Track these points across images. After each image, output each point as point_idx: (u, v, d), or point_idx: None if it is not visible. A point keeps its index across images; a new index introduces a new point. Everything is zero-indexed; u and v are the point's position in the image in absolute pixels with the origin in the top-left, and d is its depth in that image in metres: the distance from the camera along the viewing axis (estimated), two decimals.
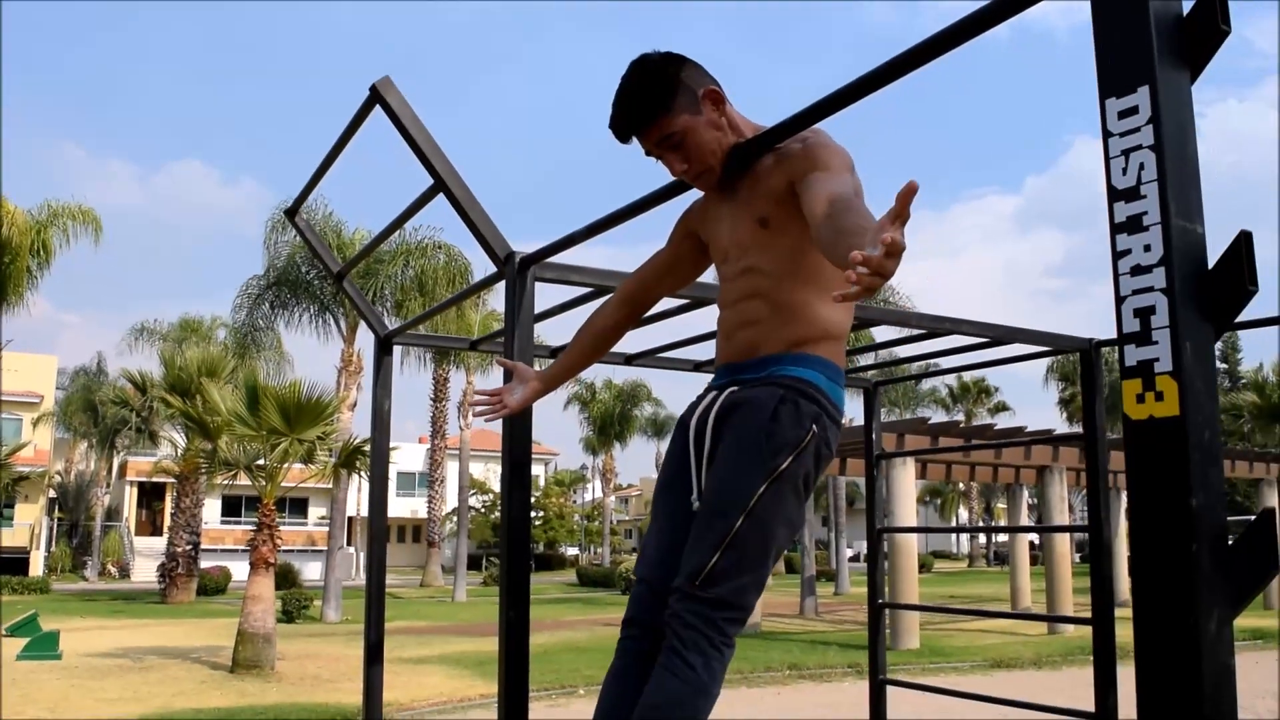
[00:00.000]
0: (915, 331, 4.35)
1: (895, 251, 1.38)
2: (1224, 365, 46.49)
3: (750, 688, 12.05)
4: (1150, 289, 1.27)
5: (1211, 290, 1.28)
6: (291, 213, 4.07)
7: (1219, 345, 45.68)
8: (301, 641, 16.77)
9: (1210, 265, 1.29)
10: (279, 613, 16.76)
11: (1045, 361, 43.93)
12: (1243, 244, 1.27)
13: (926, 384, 43.51)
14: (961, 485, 51.90)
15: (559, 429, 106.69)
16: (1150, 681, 1.24)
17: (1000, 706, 9.45)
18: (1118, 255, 1.31)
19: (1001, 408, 48.45)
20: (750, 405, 2.08)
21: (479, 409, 2.63)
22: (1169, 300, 1.26)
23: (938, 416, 41.20)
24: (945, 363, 4.72)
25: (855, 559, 45.20)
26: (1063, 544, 17.75)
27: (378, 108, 2.97)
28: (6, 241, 22.22)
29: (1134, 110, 1.30)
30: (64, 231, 23.75)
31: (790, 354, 2.10)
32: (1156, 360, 1.26)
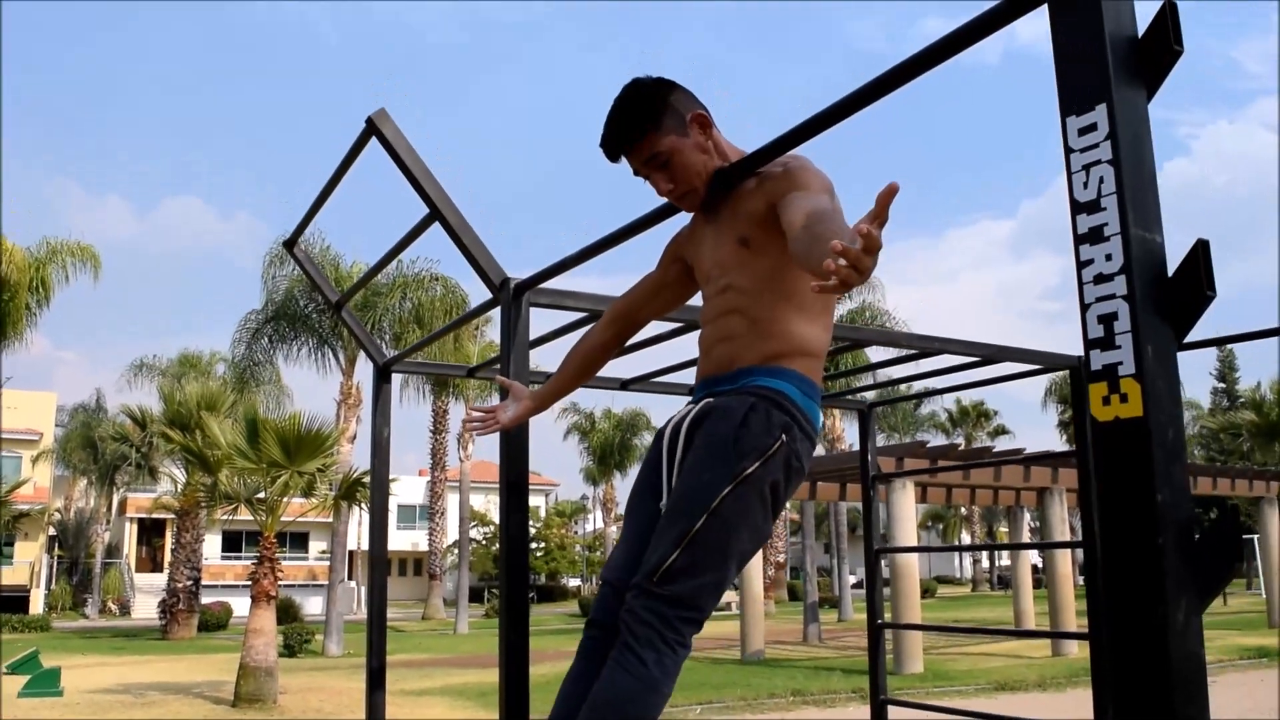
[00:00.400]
0: (908, 352, 4.41)
1: (873, 248, 1.40)
2: (1222, 384, 46.49)
3: (754, 714, 12.02)
4: (1112, 296, 1.33)
5: (1171, 296, 1.34)
6: (290, 244, 4.13)
7: (1216, 363, 45.76)
8: (304, 675, 16.72)
9: (1170, 273, 1.36)
10: (280, 647, 16.72)
11: (1044, 384, 43.99)
12: (1199, 251, 1.33)
13: (925, 408, 43.57)
14: (963, 510, 51.83)
15: (559, 460, 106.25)
16: (1123, 671, 1.29)
17: None
18: (1081, 265, 1.38)
19: (1001, 431, 48.48)
20: (721, 411, 2.14)
21: (474, 424, 2.67)
22: (1130, 306, 1.32)
23: (937, 441, 41.19)
24: (939, 383, 4.78)
25: (858, 585, 45.02)
26: (1064, 565, 17.73)
27: (374, 140, 3.04)
28: (5, 279, 22.32)
29: (1093, 127, 1.37)
30: (63, 268, 23.87)
31: (765, 366, 2.16)
32: (1120, 364, 1.32)
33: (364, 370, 23.66)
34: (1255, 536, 30.74)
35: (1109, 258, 1.34)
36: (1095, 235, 1.36)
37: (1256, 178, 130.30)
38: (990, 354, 4.10)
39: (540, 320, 3.26)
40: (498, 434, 2.83)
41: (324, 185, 3.41)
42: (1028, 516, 24.21)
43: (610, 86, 2.25)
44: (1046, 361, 4.36)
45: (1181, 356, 1.36)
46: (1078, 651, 17.28)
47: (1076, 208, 1.38)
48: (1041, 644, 18.93)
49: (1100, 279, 1.35)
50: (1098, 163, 1.36)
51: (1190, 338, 1.34)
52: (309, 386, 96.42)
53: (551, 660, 18.74)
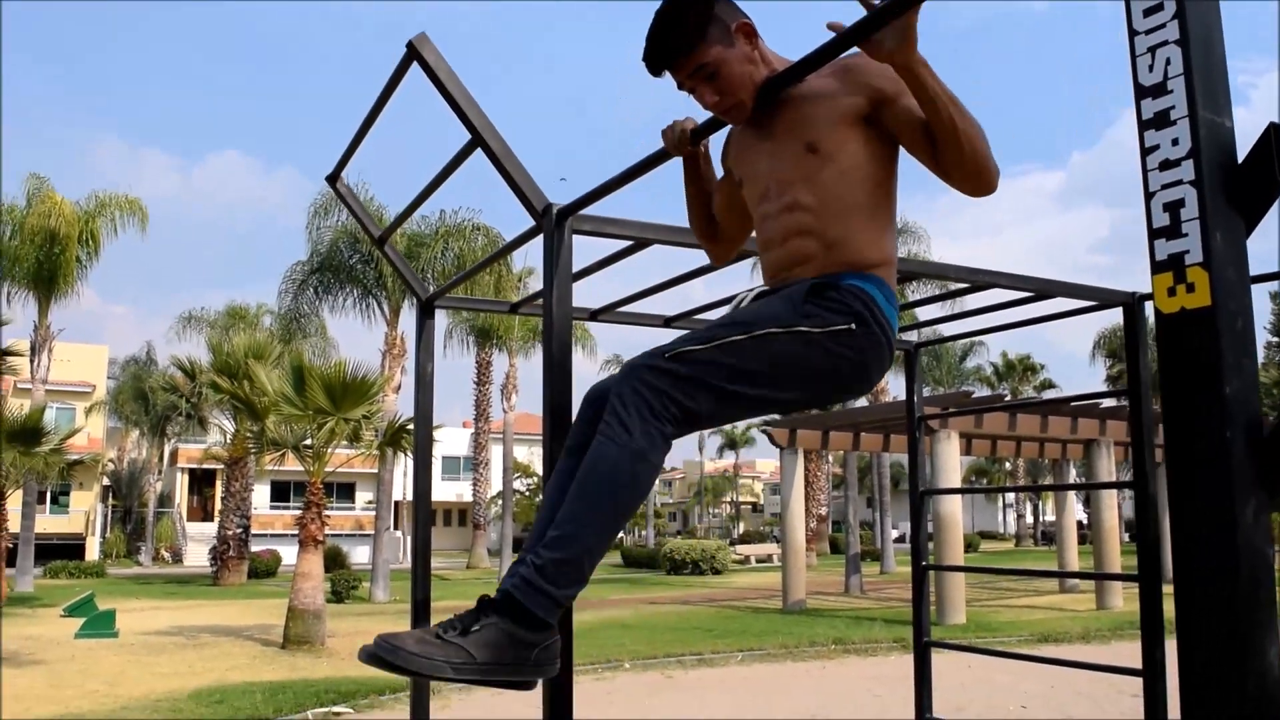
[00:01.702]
0: (955, 288, 4.32)
1: None
2: (1276, 337, 45.48)
3: (795, 662, 12.07)
4: (1179, 182, 1.28)
5: (1241, 183, 1.28)
6: (333, 178, 4.11)
7: (1270, 315, 44.68)
8: (351, 620, 17.03)
9: (1239, 160, 1.29)
10: (328, 594, 17.00)
11: (1092, 337, 43.38)
12: (1272, 136, 1.27)
13: (970, 362, 43.12)
14: (1008, 465, 51.44)
15: None
16: (1188, 570, 1.25)
17: (1042, 677, 9.41)
18: (1146, 152, 1.32)
19: (1048, 385, 47.91)
20: (787, 288, 2.08)
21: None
22: (1198, 192, 1.26)
23: (981, 394, 40.82)
24: (985, 321, 4.70)
25: (900, 540, 44.94)
26: (1111, 517, 17.55)
27: (415, 65, 3.00)
28: (54, 232, 22.64)
29: (1159, 7, 1.30)
30: (111, 221, 24.17)
31: (844, 274, 2.09)
32: (1187, 252, 1.26)
33: (408, 320, 23.82)
34: None
35: (1175, 142, 1.28)
36: (1161, 120, 1.30)
37: None
38: (1041, 288, 4.01)
39: (581, 253, 3.22)
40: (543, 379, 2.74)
41: (365, 116, 3.38)
42: (1074, 470, 23.95)
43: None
44: (1100, 297, 4.26)
45: None
46: (1122, 605, 17.15)
47: (1141, 92, 1.32)
48: (1085, 598, 18.81)
49: (1166, 165, 1.29)
50: (1164, 44, 1.30)
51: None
52: (354, 336, 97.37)
53: (595, 608, 18.97)
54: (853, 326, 2.00)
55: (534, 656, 1.76)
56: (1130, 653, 11.91)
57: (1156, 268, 1.29)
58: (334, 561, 29.00)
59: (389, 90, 3.26)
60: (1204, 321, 1.24)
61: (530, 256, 33.64)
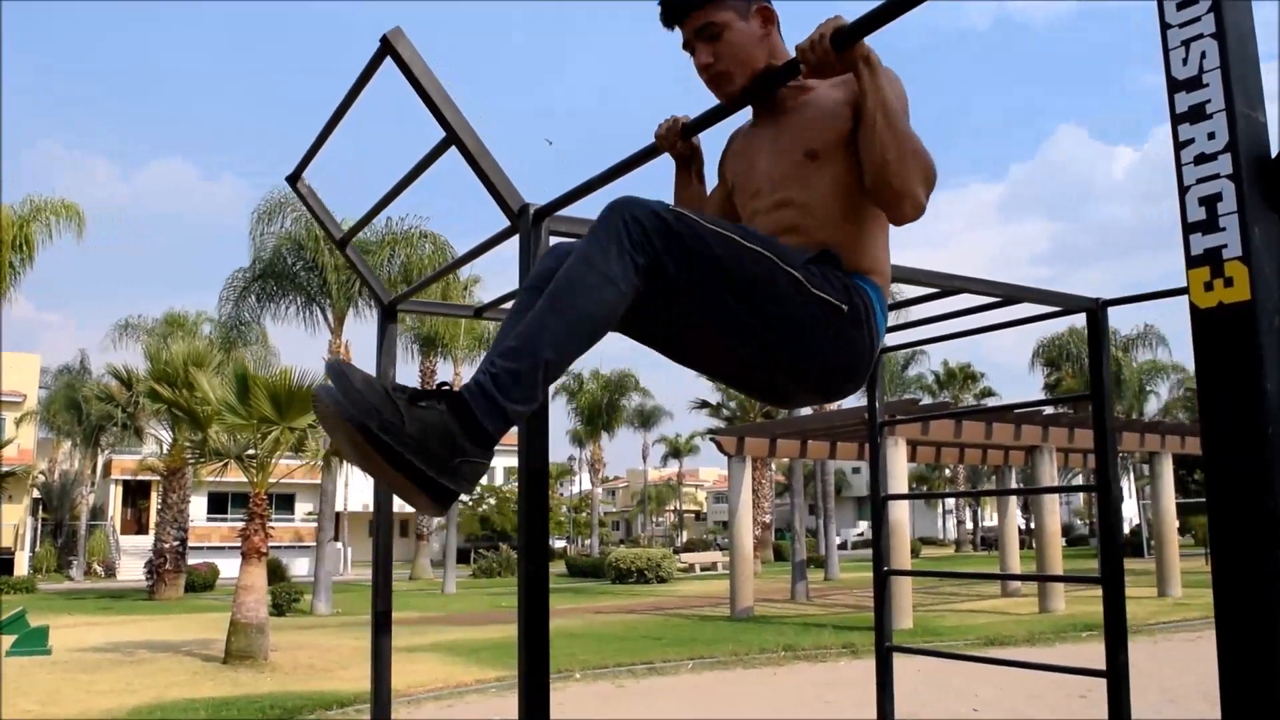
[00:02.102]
0: (920, 293, 4.33)
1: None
2: None
3: (746, 669, 12.07)
4: (1216, 176, 1.26)
5: (1275, 178, 1.27)
6: (294, 178, 4.01)
7: None
8: (293, 633, 16.72)
9: (1274, 155, 1.28)
10: (269, 607, 16.68)
11: (1031, 345, 44.12)
12: None
13: (912, 370, 43.68)
14: (948, 471, 52.09)
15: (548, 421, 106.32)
16: (1226, 569, 1.23)
17: (993, 681, 9.52)
18: (1180, 146, 1.30)
19: (988, 393, 48.66)
20: None
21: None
22: (1236, 186, 1.24)
23: (924, 402, 41.32)
24: (950, 327, 4.72)
25: (843, 546, 45.31)
26: (1053, 522, 17.83)
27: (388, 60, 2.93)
28: None
29: (1194, 0, 1.29)
30: (46, 227, 23.55)
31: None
32: (1224, 246, 1.25)
33: (353, 328, 23.55)
34: None
35: (1211, 136, 1.27)
36: (1196, 114, 1.28)
37: None
38: (1010, 293, 4.04)
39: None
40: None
41: (332, 114, 3.30)
42: (1015, 476, 24.33)
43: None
44: (1065, 303, 4.30)
45: (1164, 316, 1.29)
46: (1064, 608, 17.44)
47: (1175, 85, 1.31)
48: (1027, 601, 19.08)
49: (1202, 159, 1.28)
50: (1199, 37, 1.28)
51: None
52: (298, 344, 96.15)
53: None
54: (844, 309, 1.95)
55: (455, 463, 1.66)
56: (1074, 654, 12.10)
57: (1192, 262, 1.28)
58: (274, 574, 28.46)
59: (359, 86, 3.19)
60: (1243, 316, 1.22)
61: (478, 264, 33.42)
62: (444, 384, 1.71)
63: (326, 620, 20.34)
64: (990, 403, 43.76)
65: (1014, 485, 26.00)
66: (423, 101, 2.96)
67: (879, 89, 1.93)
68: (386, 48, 2.92)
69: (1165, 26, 1.32)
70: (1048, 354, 44.32)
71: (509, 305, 4.14)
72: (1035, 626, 15.07)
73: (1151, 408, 40.80)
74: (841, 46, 1.86)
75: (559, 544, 59.41)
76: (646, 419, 52.81)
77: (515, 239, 3.09)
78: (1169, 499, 20.01)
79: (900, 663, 4.67)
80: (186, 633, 17.13)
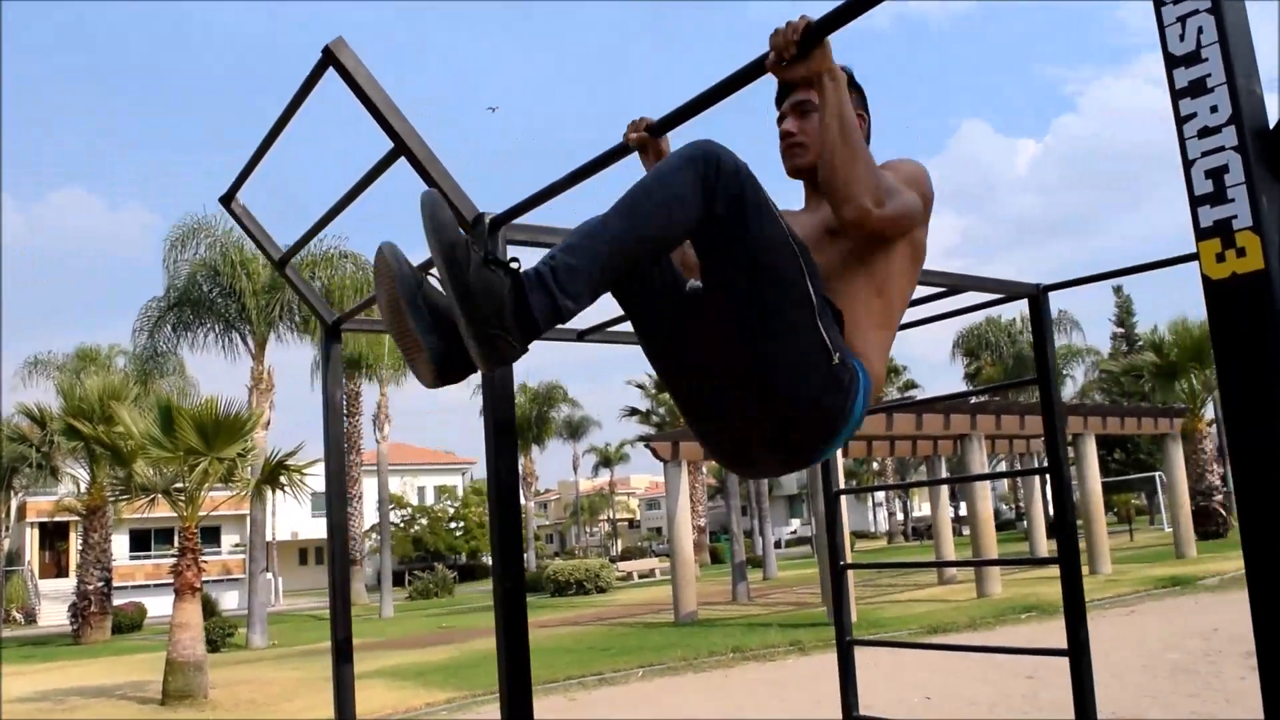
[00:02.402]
0: None
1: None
2: (1120, 328, 48.09)
3: (697, 673, 12.06)
4: (1221, 148, 1.27)
5: (1276, 150, 1.28)
6: (227, 198, 3.90)
7: (1114, 308, 47.25)
8: (230, 669, 16.32)
9: (1272, 125, 1.30)
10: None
11: (950, 337, 45.00)
12: None
13: None
14: (876, 465, 52.81)
15: (475, 438, 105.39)
16: (1252, 534, 1.24)
17: (941, 668, 9.60)
18: (1182, 120, 1.31)
19: (911, 385, 49.46)
20: None
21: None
22: (1242, 157, 1.26)
23: None
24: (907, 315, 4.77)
25: (777, 545, 45.59)
26: (985, 508, 18.13)
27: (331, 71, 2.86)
28: None
29: None
30: None
31: None
32: (1234, 217, 1.26)
33: (275, 354, 23.09)
34: (1158, 473, 31.96)
35: (1214, 109, 1.28)
36: (1197, 88, 1.29)
37: (1141, 127, 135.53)
38: (956, 283, 4.09)
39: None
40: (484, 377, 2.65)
41: (271, 127, 3.20)
42: (944, 465, 24.77)
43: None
44: (1008, 290, 4.37)
45: (1078, 302, 1.31)
46: (1001, 591, 17.75)
47: (1173, 61, 1.32)
48: (964, 588, 19.38)
49: (1205, 132, 1.29)
50: (1195, 13, 1.30)
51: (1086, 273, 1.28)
52: (217, 374, 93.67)
53: (483, 636, 18.62)
54: (835, 359, 1.95)
55: (492, 331, 1.71)
56: (1017, 635, 12.30)
57: (1202, 234, 1.28)
58: (205, 609, 27.74)
59: (300, 98, 3.10)
60: (1258, 285, 1.23)
61: None
62: (514, 259, 1.77)
63: (264, 653, 19.88)
64: (915, 394, 44.51)
65: (943, 474, 26.44)
66: (369, 112, 2.89)
67: (841, 101, 1.99)
68: (329, 58, 2.85)
69: (1160, 3, 1.33)
70: (967, 344, 45.28)
71: None
72: (975, 612, 15.30)
73: (1069, 391, 41.80)
74: (810, 40, 1.88)
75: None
76: (576, 430, 52.69)
77: None
78: (1094, 479, 20.50)
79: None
80: (118, 676, 16.59)
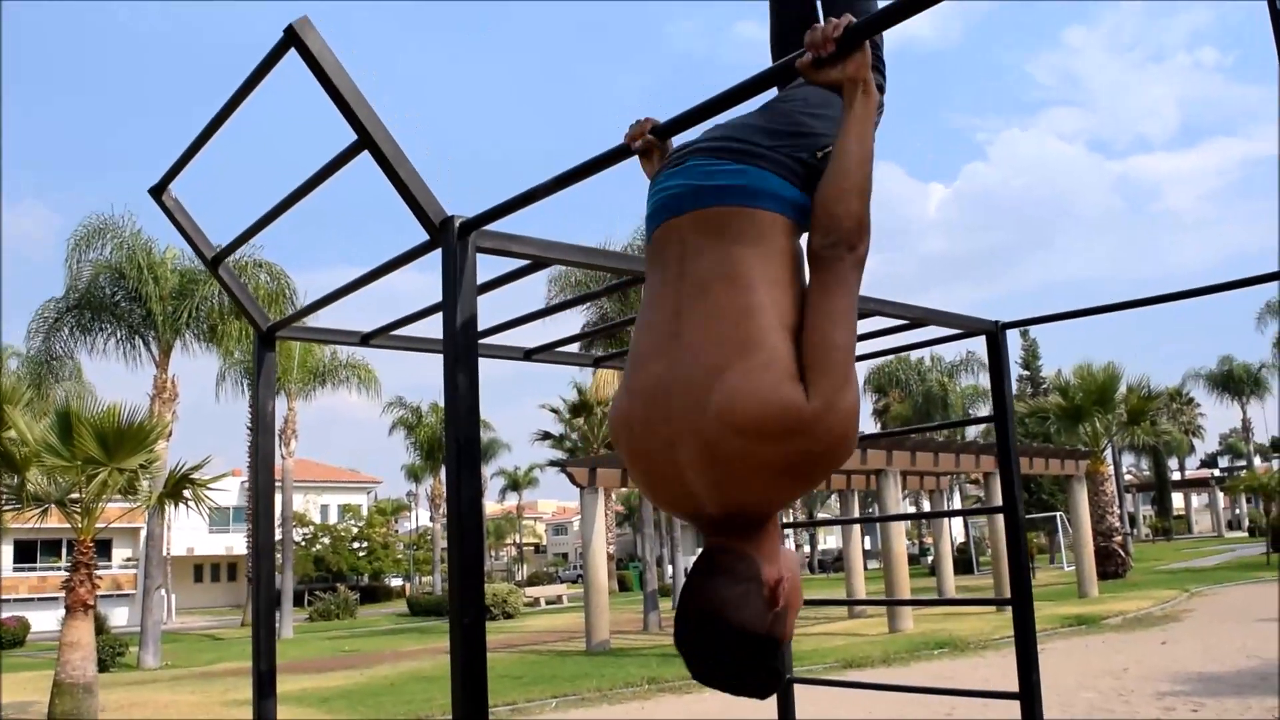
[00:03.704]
0: None
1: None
2: (1026, 371, 49.24)
3: (612, 705, 11.82)
4: None
5: None
6: (158, 190, 3.62)
7: (1020, 351, 48.36)
8: (122, 690, 15.57)
9: None
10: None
11: (862, 373, 45.71)
12: None
13: None
14: None
15: (380, 457, 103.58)
16: None
17: (859, 705, 9.48)
18: None
19: None
20: None
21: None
22: None
23: None
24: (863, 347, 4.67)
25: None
26: (899, 545, 18.24)
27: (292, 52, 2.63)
28: None
29: None
30: None
31: None
32: None
33: (180, 362, 22.30)
34: (1059, 514, 32.64)
35: None
36: None
37: (1047, 179, 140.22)
38: (918, 316, 3.99)
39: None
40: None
41: (219, 110, 2.96)
42: (856, 500, 24.94)
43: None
44: (967, 326, 4.30)
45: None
46: (912, 627, 17.84)
47: None
48: (875, 622, 19.45)
49: None
50: None
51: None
52: (117, 380, 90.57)
53: (391, 661, 18.10)
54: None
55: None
56: (929, 672, 12.27)
57: None
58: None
59: (253, 81, 2.86)
60: None
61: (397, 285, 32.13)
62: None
63: (157, 674, 19.04)
64: None
65: (855, 510, 26.65)
66: (332, 100, 2.67)
67: (866, 120, 1.87)
68: (292, 39, 2.62)
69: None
70: (876, 380, 45.98)
71: (400, 332, 3.86)
72: (889, 647, 15.32)
73: (973, 432, 42.64)
74: (851, 41, 1.75)
75: (397, 582, 57.73)
76: (485, 452, 52.05)
77: (438, 255, 2.83)
78: (1000, 518, 20.80)
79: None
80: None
